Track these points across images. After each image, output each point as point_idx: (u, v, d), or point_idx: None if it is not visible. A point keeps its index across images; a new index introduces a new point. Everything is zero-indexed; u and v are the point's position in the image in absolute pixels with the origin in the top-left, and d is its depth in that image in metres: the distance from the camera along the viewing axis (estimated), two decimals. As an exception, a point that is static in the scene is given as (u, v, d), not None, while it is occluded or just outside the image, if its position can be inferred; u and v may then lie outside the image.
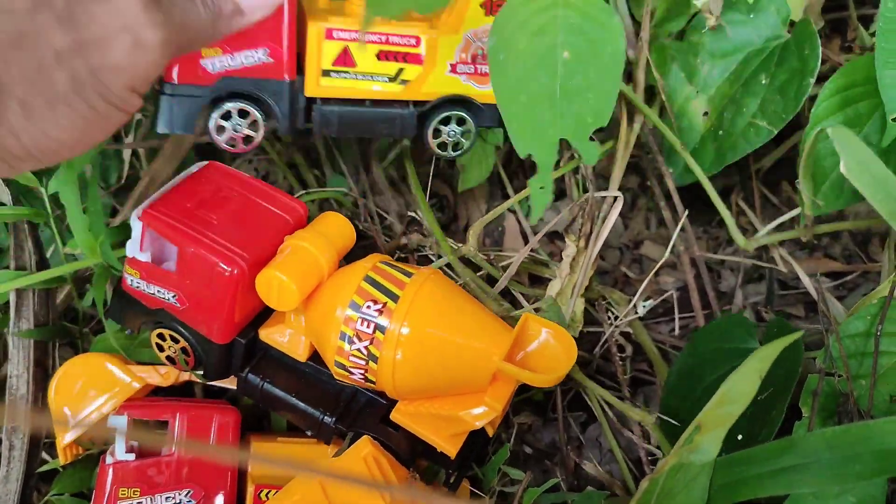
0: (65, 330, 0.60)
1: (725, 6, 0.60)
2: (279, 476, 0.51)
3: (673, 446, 0.53)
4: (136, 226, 0.47)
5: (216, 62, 0.46)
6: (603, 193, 0.60)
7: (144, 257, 0.48)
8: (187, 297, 0.47)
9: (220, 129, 0.47)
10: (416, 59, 0.49)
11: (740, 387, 0.36)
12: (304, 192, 0.65)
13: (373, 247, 0.64)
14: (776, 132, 0.56)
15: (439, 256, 0.62)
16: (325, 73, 0.47)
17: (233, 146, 0.48)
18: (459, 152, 0.52)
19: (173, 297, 0.47)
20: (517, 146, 0.47)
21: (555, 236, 0.72)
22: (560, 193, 0.74)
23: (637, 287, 0.69)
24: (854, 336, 0.48)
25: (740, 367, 0.38)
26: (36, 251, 0.59)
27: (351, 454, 0.45)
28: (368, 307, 0.44)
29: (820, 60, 0.54)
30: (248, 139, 0.48)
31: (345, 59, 0.48)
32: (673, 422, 0.52)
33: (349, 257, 0.51)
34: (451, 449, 0.46)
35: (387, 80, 0.48)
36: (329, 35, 0.47)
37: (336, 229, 0.49)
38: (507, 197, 0.70)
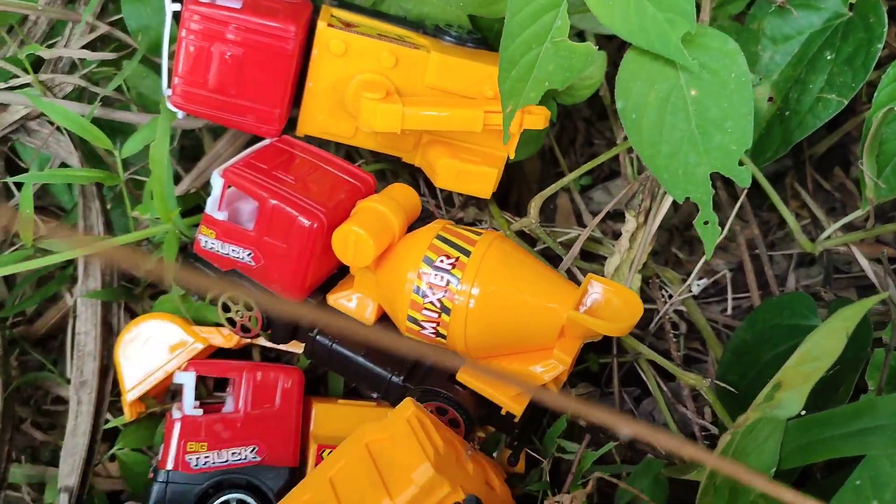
0: (127, 291, 0.61)
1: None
2: (341, 436, 0.52)
3: (731, 417, 0.53)
4: (217, 184, 0.48)
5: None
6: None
7: (222, 216, 0.48)
8: (263, 254, 0.48)
9: None
10: None
11: (824, 344, 0.36)
12: (361, 161, 0.65)
13: (429, 219, 0.65)
14: (846, 102, 0.56)
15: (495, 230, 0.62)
16: None
17: None
18: None
19: (248, 255, 0.48)
20: (672, 194, 0.49)
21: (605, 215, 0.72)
22: (612, 174, 0.74)
23: (687, 268, 0.70)
24: (917, 312, 0.48)
25: (821, 327, 0.38)
26: (103, 213, 0.60)
27: (394, 415, 0.46)
28: (441, 261, 0.45)
29: (886, 26, 0.54)
30: None
31: None
32: (731, 389, 0.52)
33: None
34: (516, 408, 0.47)
35: None
36: None
37: (405, 198, 0.50)
38: (559, 175, 0.71)
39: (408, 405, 0.46)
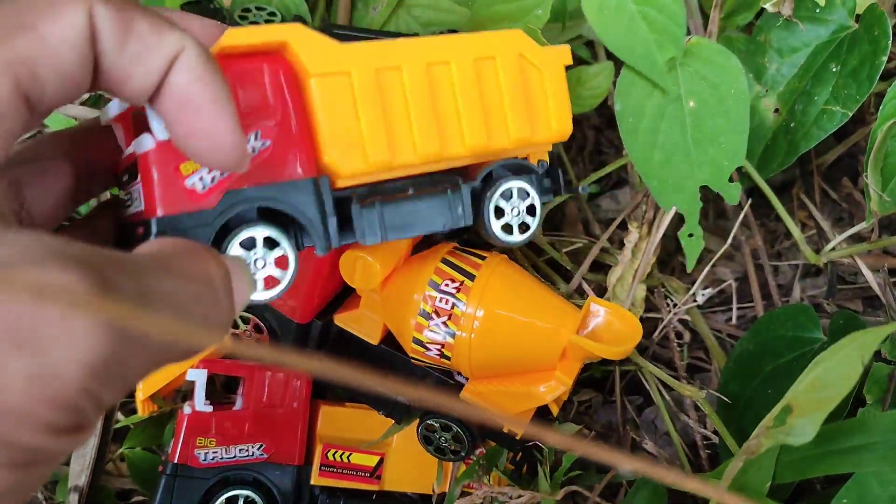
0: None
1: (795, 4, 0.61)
2: (346, 438, 0.53)
3: (729, 429, 0.54)
4: None
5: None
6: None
7: None
8: None
9: None
10: None
11: (838, 371, 0.36)
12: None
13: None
14: (850, 114, 0.56)
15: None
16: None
17: None
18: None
19: None
20: (659, 201, 0.50)
21: (612, 223, 0.72)
22: (620, 181, 0.75)
23: (693, 276, 0.70)
24: (918, 329, 0.49)
25: (834, 351, 0.37)
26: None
27: None
28: (447, 285, 0.46)
29: (891, 38, 0.54)
30: None
31: None
32: (726, 399, 0.53)
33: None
34: (517, 427, 0.47)
35: None
36: None
37: None
38: (567, 182, 0.71)
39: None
